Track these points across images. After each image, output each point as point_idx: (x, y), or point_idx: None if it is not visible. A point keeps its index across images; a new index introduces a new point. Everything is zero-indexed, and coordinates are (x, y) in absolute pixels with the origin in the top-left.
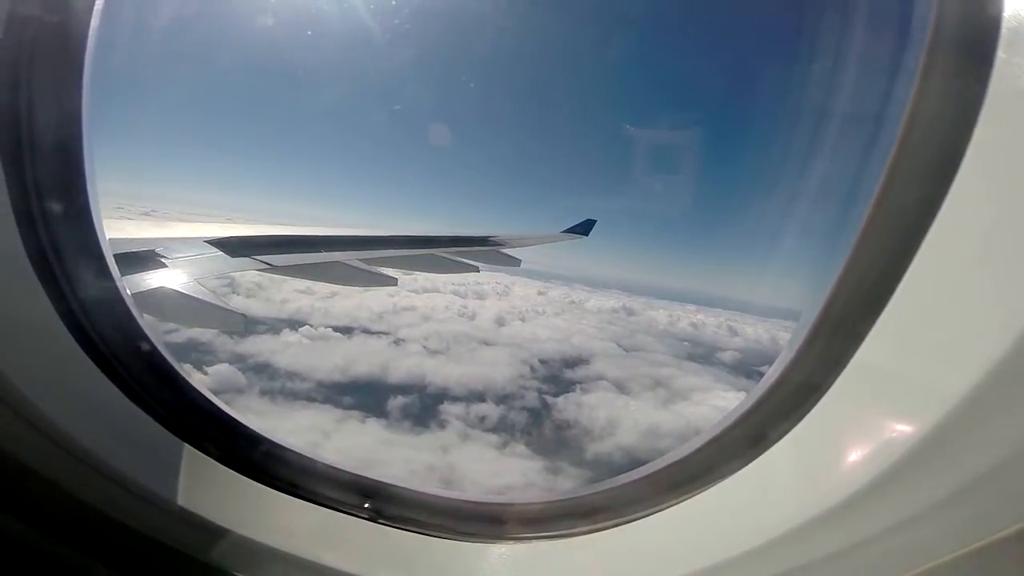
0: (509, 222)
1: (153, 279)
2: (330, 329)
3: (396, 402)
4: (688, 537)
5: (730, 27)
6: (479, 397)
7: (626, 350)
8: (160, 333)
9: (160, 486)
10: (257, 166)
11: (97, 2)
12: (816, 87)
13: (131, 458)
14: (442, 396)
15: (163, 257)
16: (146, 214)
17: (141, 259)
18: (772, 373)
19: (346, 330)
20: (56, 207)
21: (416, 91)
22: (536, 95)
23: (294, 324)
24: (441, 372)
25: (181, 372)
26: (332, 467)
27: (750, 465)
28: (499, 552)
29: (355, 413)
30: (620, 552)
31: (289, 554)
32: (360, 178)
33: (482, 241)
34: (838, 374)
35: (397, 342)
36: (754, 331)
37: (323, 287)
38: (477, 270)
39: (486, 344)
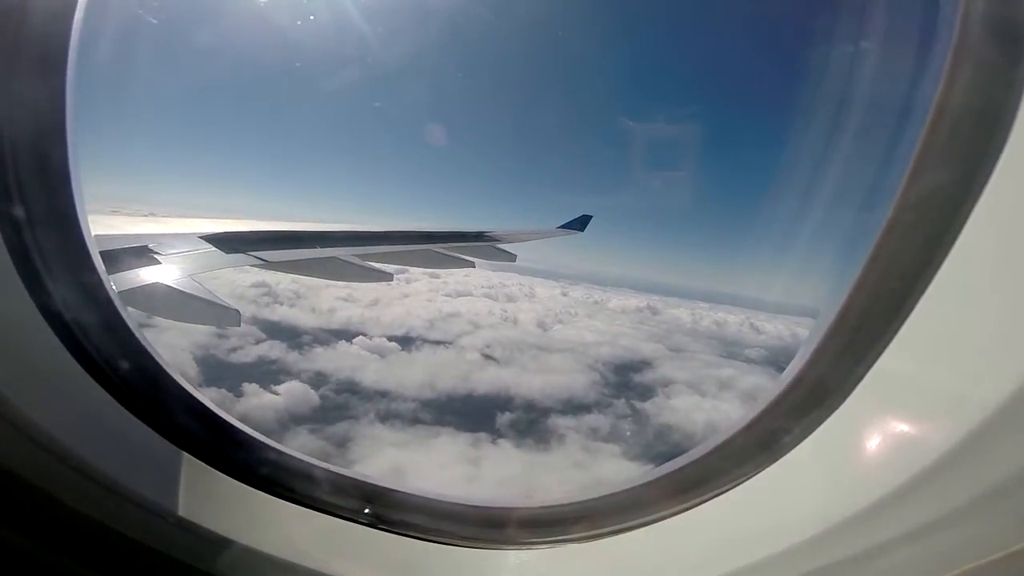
0: (503, 218)
1: (146, 275)
2: (385, 339)
3: (504, 418)
4: (704, 542)
5: (750, 18)
6: (577, 408)
7: (673, 351)
8: (144, 333)
9: (156, 494)
10: (253, 166)
11: None
12: (838, 81)
13: (125, 465)
14: (542, 408)
15: (156, 253)
16: (143, 217)
17: (134, 254)
18: (789, 373)
19: (403, 340)
20: (40, 208)
21: (410, 87)
22: (530, 90)
23: (347, 335)
24: (522, 382)
25: (174, 376)
26: (330, 472)
27: (770, 468)
28: (505, 559)
29: (482, 436)
30: (632, 558)
31: (289, 562)
32: (354, 175)
33: (477, 237)
34: (861, 377)
35: (461, 351)
36: (775, 328)
37: (364, 294)
38: (473, 265)
39: (544, 350)
